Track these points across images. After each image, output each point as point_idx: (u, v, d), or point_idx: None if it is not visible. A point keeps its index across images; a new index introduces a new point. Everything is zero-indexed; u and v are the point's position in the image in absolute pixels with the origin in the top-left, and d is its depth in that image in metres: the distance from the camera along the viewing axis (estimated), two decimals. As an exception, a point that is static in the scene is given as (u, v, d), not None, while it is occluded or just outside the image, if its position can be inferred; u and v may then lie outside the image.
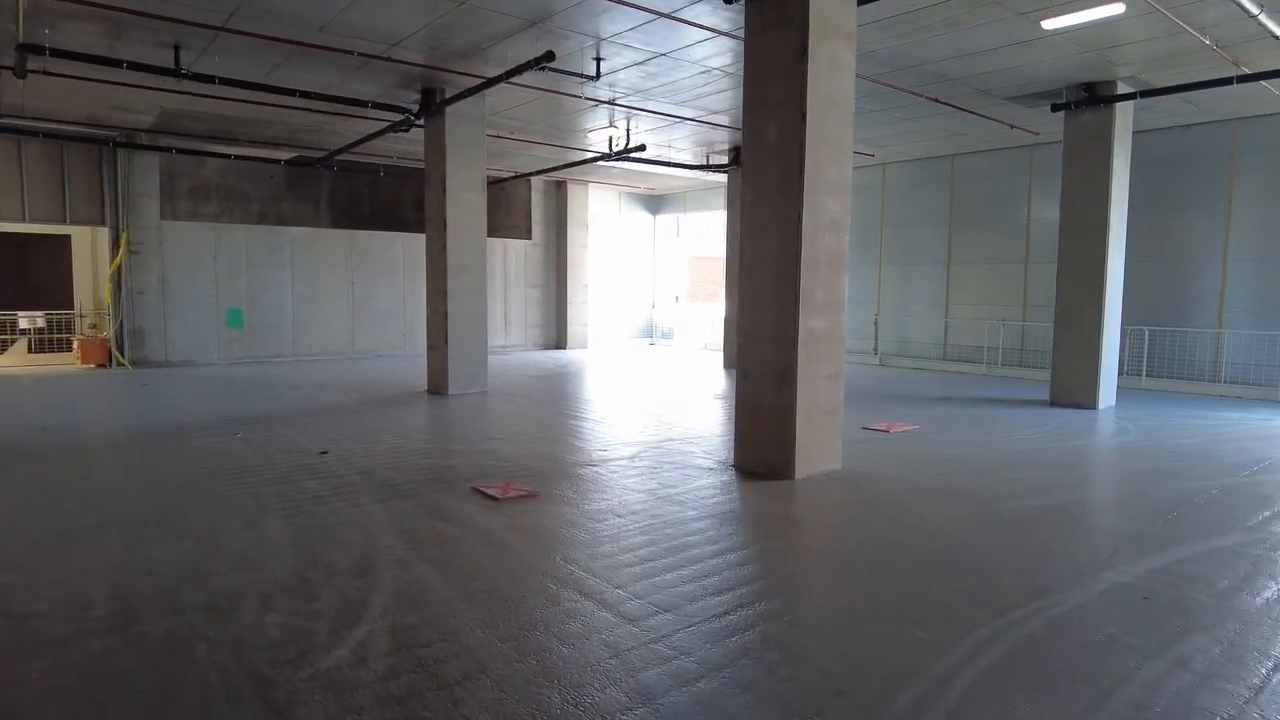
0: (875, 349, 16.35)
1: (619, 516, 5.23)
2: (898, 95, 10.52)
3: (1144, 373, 12.41)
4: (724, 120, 12.27)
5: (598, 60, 9.15)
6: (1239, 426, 9.01)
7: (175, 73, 8.82)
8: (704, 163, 15.64)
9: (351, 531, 4.84)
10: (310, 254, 15.69)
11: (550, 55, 8.32)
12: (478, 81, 9.78)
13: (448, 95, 10.42)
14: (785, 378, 6.24)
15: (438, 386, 11.02)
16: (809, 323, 6.21)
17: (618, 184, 19.50)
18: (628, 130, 12.97)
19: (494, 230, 17.39)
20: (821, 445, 6.43)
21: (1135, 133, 12.38)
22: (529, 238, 19.16)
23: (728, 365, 15.12)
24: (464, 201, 10.83)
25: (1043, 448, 7.77)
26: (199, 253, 14.62)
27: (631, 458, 7.05)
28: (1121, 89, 9.84)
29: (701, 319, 20.29)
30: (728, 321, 15.11)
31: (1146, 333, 12.38)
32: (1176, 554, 4.58)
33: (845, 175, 6.40)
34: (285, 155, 14.93)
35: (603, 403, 10.56)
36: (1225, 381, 11.76)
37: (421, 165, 16.16)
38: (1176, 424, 9.13)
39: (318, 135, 13.46)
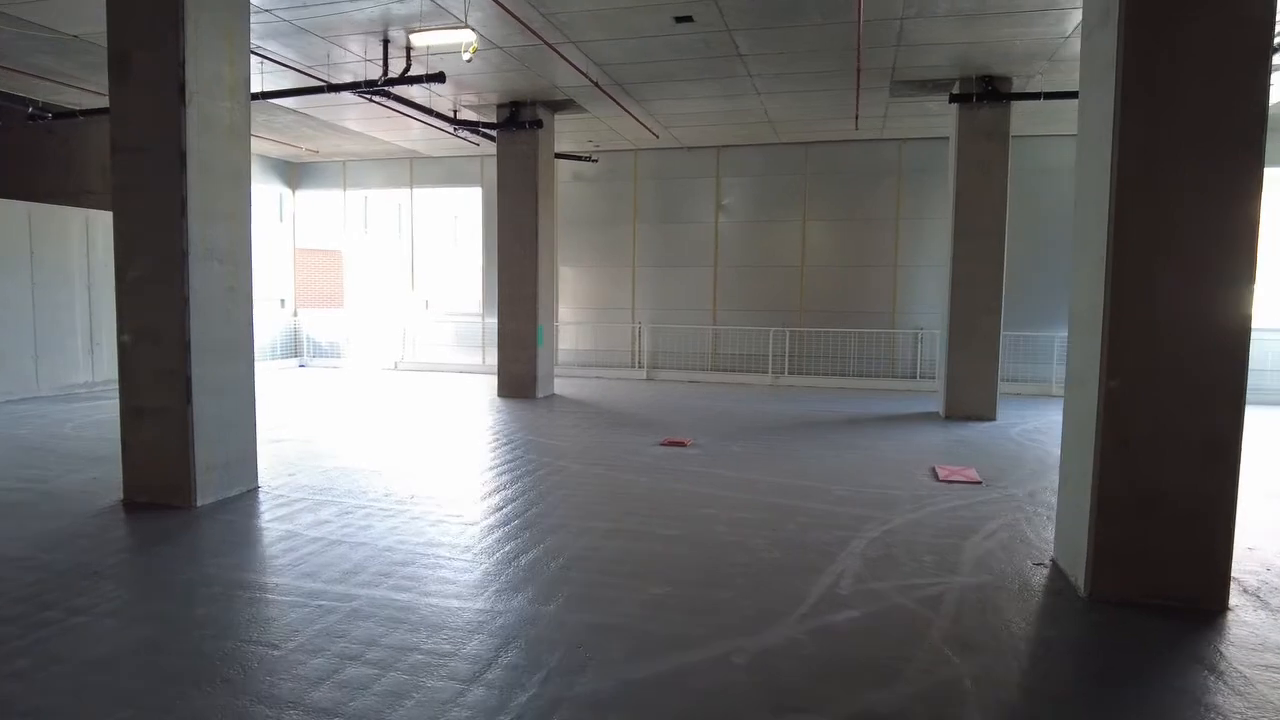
0: (638, 362, 14.17)
1: None
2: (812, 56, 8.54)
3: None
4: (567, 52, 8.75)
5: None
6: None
7: None
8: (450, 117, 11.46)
9: None
10: None
11: None
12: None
13: (187, -101, 5.11)
14: (1218, 448, 3.78)
15: (169, 489, 5.43)
16: (1236, 355, 3.86)
17: (267, 139, 13.60)
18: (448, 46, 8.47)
19: (64, 195, 11.81)
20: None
21: (907, 140, 12.66)
22: (118, 208, 12.18)
23: (503, 393, 11.37)
24: (217, 119, 5.52)
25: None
26: None
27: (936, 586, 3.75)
28: (1016, 87, 9.41)
29: (386, 332, 15.49)
30: (504, 334, 11.33)
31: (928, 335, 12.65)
32: None
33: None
34: None
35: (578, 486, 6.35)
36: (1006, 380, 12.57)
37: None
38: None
39: None
